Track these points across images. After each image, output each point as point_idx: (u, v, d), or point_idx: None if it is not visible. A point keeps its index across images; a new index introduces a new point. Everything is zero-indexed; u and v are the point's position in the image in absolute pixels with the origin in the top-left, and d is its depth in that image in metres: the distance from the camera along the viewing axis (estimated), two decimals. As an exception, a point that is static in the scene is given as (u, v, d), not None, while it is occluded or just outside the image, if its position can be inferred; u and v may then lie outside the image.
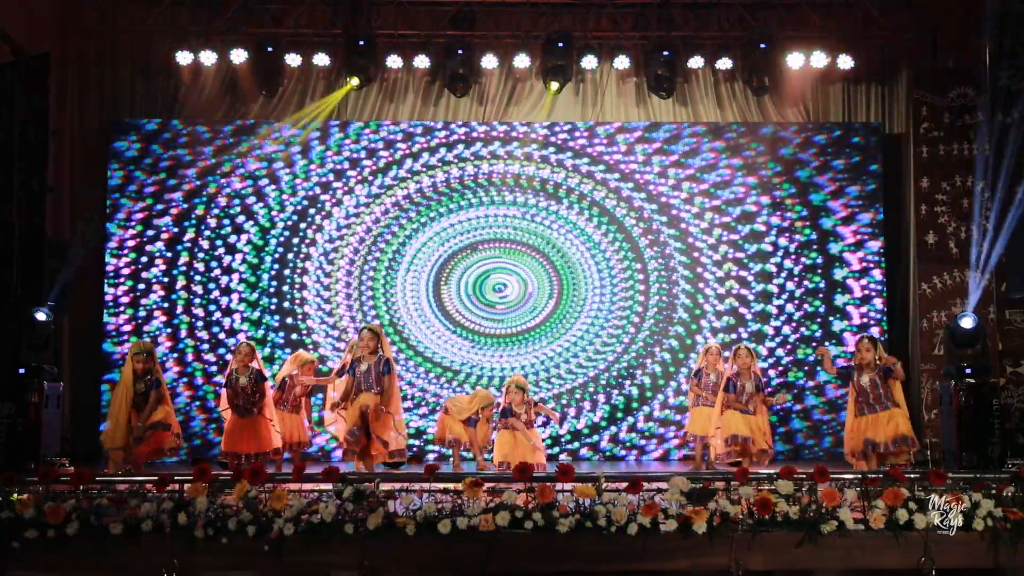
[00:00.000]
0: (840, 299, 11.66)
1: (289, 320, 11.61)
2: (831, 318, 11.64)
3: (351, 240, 11.74)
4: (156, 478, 5.89)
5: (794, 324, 11.67)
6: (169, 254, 11.56)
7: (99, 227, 11.40)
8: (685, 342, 11.68)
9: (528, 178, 11.81)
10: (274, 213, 11.70)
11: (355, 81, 11.47)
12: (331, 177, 11.76)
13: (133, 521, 5.54)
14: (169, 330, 11.46)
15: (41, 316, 9.73)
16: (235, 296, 11.59)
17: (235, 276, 11.62)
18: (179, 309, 11.52)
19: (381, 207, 11.76)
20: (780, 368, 11.60)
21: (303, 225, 11.72)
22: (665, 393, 11.64)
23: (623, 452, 11.54)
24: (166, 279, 11.53)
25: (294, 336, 11.52)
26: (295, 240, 11.70)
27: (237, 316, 11.58)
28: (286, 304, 11.63)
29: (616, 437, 11.59)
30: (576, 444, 11.58)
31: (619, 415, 11.62)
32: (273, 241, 11.69)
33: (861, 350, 9.02)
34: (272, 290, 11.63)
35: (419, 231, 11.78)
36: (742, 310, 11.70)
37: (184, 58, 11.30)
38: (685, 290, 11.76)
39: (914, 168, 11.29)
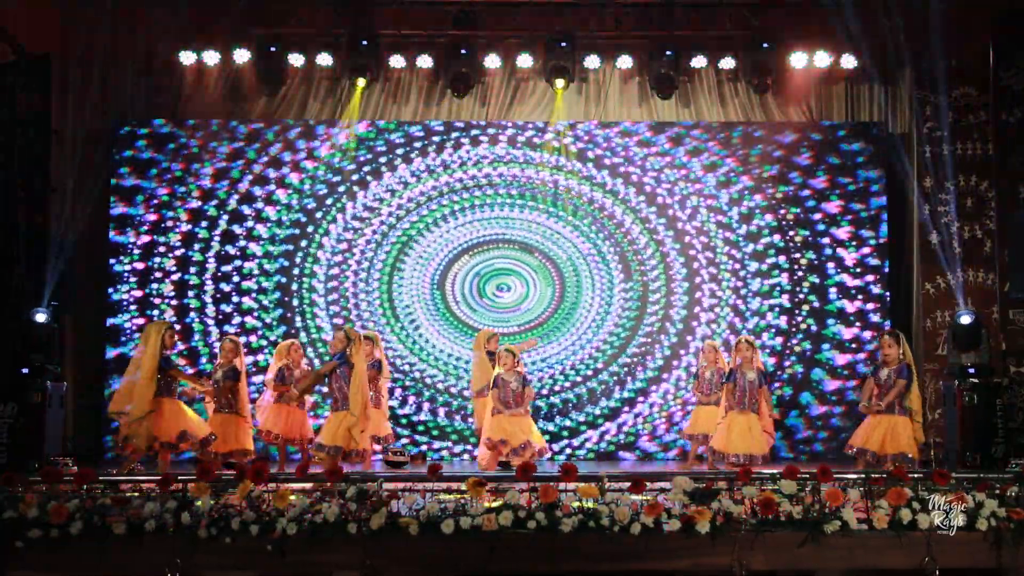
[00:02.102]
0: (842, 298, 11.64)
1: (295, 303, 11.65)
2: (832, 317, 11.63)
3: (365, 231, 11.78)
4: (159, 478, 5.90)
5: (793, 322, 11.65)
6: (173, 253, 11.57)
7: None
8: (679, 350, 11.70)
9: (564, 188, 11.83)
10: (283, 211, 11.73)
11: (361, 82, 11.51)
12: (345, 173, 11.80)
13: (136, 521, 5.55)
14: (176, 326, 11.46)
15: (41, 317, 9.74)
16: (241, 290, 11.63)
17: (243, 267, 11.64)
18: (185, 307, 11.53)
19: (402, 200, 11.80)
20: (779, 369, 11.62)
21: (319, 214, 11.75)
22: (647, 403, 11.66)
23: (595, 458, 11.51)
24: (170, 278, 11.54)
25: (298, 322, 11.60)
26: (309, 228, 11.74)
27: (246, 299, 11.64)
28: (294, 287, 11.67)
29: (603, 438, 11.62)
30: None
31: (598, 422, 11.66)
32: (280, 240, 11.71)
33: (884, 346, 8.93)
34: (280, 280, 11.68)
35: (448, 219, 11.83)
36: (739, 310, 11.71)
37: (187, 58, 11.31)
38: (681, 299, 11.73)
39: (917, 168, 11.27)
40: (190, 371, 9.23)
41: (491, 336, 10.29)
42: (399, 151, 11.82)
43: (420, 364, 11.61)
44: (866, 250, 11.67)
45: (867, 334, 11.51)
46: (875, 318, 11.57)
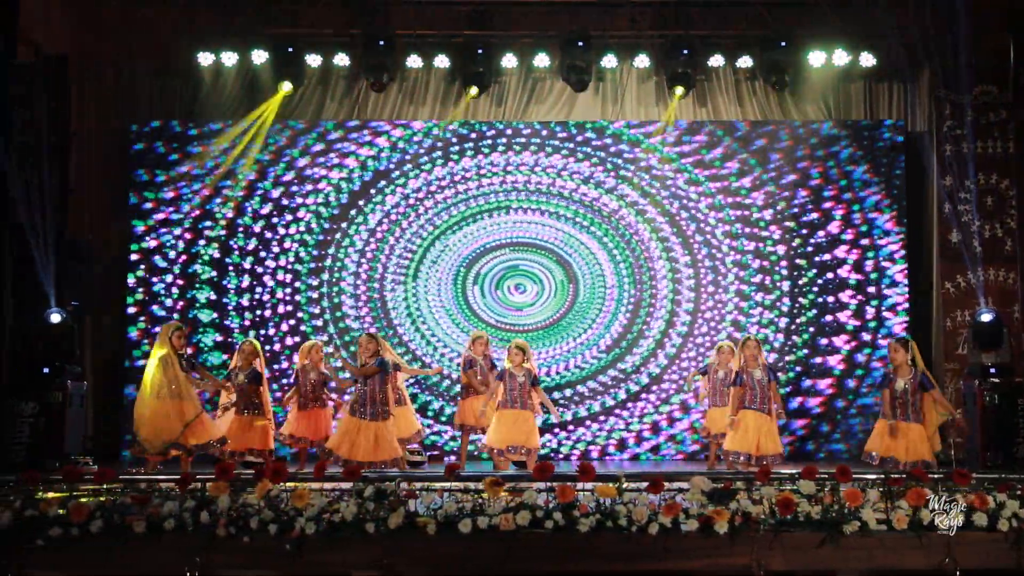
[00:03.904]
0: (861, 298, 11.59)
1: (325, 303, 11.71)
2: (850, 318, 11.58)
3: (397, 228, 11.84)
4: (178, 477, 5.93)
5: (811, 321, 11.61)
6: (191, 253, 11.63)
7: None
8: (699, 342, 11.68)
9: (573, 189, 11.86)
10: (304, 211, 11.78)
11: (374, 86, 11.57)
12: (376, 173, 11.87)
13: (156, 520, 5.57)
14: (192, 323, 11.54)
15: (55, 318, 9.79)
16: (263, 290, 11.70)
17: (258, 269, 11.71)
18: (202, 304, 11.59)
19: (434, 199, 11.87)
20: (788, 362, 11.60)
21: (353, 210, 11.83)
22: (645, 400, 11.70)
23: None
24: (188, 276, 11.60)
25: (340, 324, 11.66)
26: (340, 229, 11.81)
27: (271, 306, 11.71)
28: (324, 288, 11.73)
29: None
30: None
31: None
32: (293, 242, 11.76)
33: (890, 352, 8.90)
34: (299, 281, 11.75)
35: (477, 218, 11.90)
36: (750, 308, 11.68)
37: (205, 59, 11.36)
38: (688, 297, 11.73)
39: (937, 166, 11.21)
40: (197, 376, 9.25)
41: (477, 338, 10.12)
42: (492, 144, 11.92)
43: (412, 333, 11.67)
44: (886, 249, 11.61)
45: (879, 331, 11.47)
46: (895, 317, 11.51)
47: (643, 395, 11.65)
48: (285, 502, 5.63)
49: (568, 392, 11.64)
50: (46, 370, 9.63)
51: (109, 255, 11.48)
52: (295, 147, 11.80)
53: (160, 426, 8.74)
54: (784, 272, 11.69)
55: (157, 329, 9.90)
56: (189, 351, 9.40)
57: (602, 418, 11.63)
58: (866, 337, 11.55)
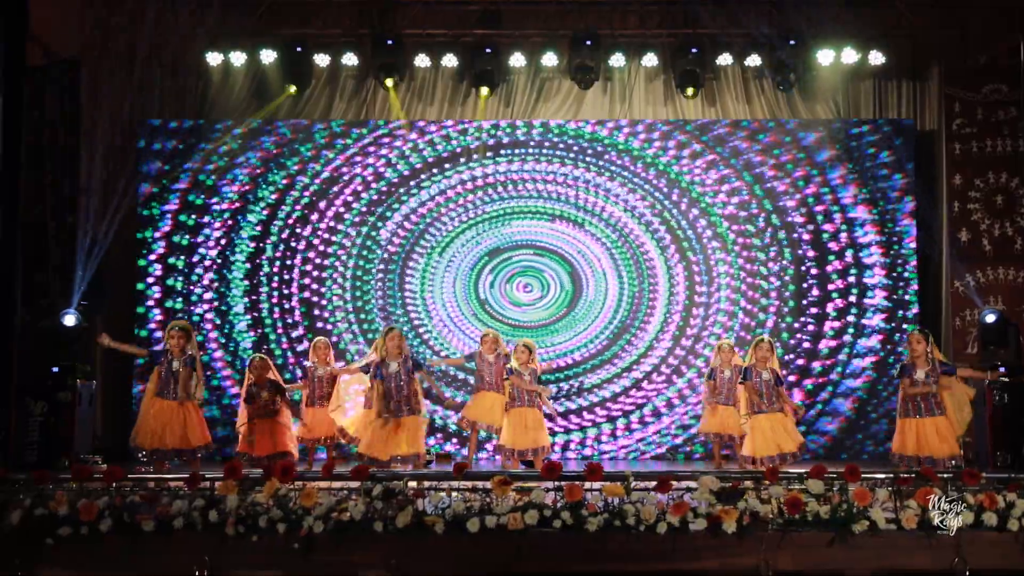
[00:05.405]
0: (871, 298, 11.56)
1: (317, 311, 11.72)
2: (861, 317, 11.55)
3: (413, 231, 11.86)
4: (188, 476, 5.95)
5: (821, 323, 11.58)
6: (199, 253, 11.65)
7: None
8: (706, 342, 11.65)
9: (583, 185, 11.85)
10: (311, 212, 11.79)
11: (390, 82, 11.53)
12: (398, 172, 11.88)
13: (165, 518, 5.60)
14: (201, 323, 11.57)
15: (70, 320, 9.81)
16: (269, 292, 11.71)
17: (268, 270, 11.72)
18: (209, 306, 11.62)
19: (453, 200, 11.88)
20: (796, 363, 11.57)
21: (402, 189, 11.85)
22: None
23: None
24: (196, 277, 11.62)
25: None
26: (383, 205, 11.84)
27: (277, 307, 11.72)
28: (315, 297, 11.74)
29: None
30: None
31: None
32: (301, 241, 11.79)
33: (912, 342, 8.84)
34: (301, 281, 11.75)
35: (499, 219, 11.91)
36: (761, 309, 11.66)
37: (214, 59, 11.38)
38: (695, 300, 11.71)
39: (947, 165, 11.17)
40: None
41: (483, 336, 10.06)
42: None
43: (417, 300, 11.73)
44: (895, 248, 11.57)
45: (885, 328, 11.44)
46: (903, 316, 11.47)
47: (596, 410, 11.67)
48: (293, 501, 5.65)
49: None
50: (55, 369, 9.66)
51: (119, 254, 11.50)
52: (333, 146, 11.80)
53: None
54: (788, 273, 11.66)
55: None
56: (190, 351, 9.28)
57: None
58: (871, 336, 11.52)
